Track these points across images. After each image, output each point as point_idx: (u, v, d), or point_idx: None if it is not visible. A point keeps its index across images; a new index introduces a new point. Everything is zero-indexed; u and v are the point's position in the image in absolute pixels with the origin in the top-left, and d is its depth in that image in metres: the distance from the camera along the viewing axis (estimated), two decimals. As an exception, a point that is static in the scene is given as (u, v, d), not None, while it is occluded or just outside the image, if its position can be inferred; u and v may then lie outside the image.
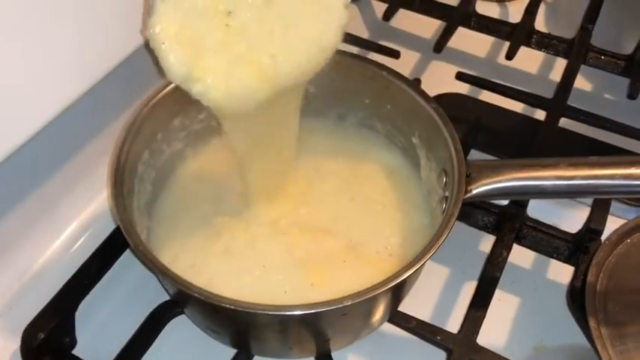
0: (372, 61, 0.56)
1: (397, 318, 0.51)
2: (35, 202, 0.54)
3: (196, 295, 0.39)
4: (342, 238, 0.52)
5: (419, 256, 0.42)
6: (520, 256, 0.58)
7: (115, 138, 0.56)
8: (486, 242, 0.58)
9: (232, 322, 0.46)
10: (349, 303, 0.39)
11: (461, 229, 0.59)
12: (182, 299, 0.48)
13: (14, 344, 0.49)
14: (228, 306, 0.39)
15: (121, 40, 0.50)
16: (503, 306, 0.55)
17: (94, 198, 0.59)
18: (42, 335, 0.49)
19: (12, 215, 0.53)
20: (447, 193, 0.48)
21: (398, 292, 0.48)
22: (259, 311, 0.39)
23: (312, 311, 0.39)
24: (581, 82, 0.72)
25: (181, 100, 0.53)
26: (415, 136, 0.55)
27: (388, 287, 0.40)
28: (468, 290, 0.54)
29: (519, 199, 0.57)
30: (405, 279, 0.41)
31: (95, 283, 0.52)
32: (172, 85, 0.51)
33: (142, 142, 0.50)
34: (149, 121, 0.50)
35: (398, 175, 0.57)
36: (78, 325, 0.52)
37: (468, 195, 0.46)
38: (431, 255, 0.42)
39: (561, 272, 0.57)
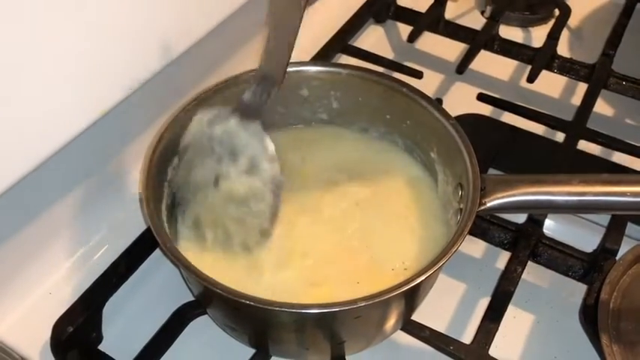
0: (394, 78, 0.58)
1: (411, 327, 0.52)
2: (68, 204, 0.57)
3: (218, 290, 0.42)
4: (362, 251, 0.53)
5: (432, 263, 0.44)
6: (536, 274, 0.58)
7: (146, 146, 0.59)
8: (503, 259, 0.59)
9: (251, 319, 0.48)
10: (362, 304, 0.41)
11: (478, 246, 0.60)
12: (204, 296, 0.50)
13: (45, 337, 0.51)
14: (247, 302, 0.41)
15: (155, 53, 0.53)
16: (517, 323, 0.56)
17: (124, 203, 0.62)
18: (71, 329, 0.51)
19: (46, 216, 0.55)
20: (461, 206, 0.50)
21: (411, 299, 0.49)
22: (277, 308, 0.41)
23: (327, 310, 0.41)
24: (602, 107, 0.73)
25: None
26: (434, 152, 0.56)
27: (400, 291, 0.42)
28: (483, 305, 0.55)
29: (532, 212, 0.58)
30: (417, 285, 0.43)
31: (123, 282, 0.55)
32: (201, 98, 0.54)
33: (173, 149, 0.53)
34: (180, 129, 0.53)
35: (418, 186, 0.58)
36: (105, 322, 0.54)
37: (482, 208, 0.48)
38: (444, 262, 0.44)
39: (576, 291, 0.57)
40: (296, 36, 0.46)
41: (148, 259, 0.57)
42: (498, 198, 0.48)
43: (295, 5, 0.44)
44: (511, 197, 0.48)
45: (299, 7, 0.44)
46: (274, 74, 0.48)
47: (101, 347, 0.53)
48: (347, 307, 0.41)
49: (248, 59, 0.70)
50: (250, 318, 0.47)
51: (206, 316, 0.54)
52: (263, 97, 0.49)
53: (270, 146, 0.49)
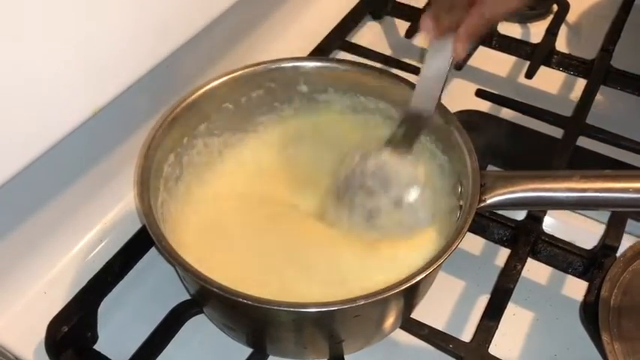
0: (392, 73, 0.57)
1: (410, 325, 0.52)
2: (62, 202, 0.56)
3: (214, 289, 0.41)
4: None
5: (431, 261, 0.43)
6: (535, 271, 0.58)
7: (141, 143, 0.58)
8: (502, 257, 0.58)
9: (248, 318, 0.47)
10: (362, 303, 0.40)
11: (477, 243, 0.60)
12: (201, 295, 0.50)
13: (39, 336, 0.51)
14: (244, 301, 0.40)
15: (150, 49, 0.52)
16: (517, 320, 0.55)
17: (119, 201, 0.61)
18: (65, 329, 0.50)
19: (40, 215, 0.55)
20: (461, 203, 0.49)
21: (410, 297, 0.49)
22: (275, 307, 0.41)
23: (326, 309, 0.41)
24: (601, 103, 0.72)
25: (207, 107, 0.56)
26: (433, 148, 0.56)
27: (400, 290, 0.41)
28: (482, 303, 0.55)
29: (532, 209, 0.58)
30: (416, 283, 0.42)
31: (118, 281, 0.54)
32: (198, 93, 0.54)
33: (169, 145, 0.52)
34: (176, 126, 0.52)
35: None
36: (100, 322, 0.53)
37: (482, 204, 0.47)
38: (443, 260, 0.43)
39: (576, 288, 0.57)
40: (445, 79, 0.51)
41: (144, 257, 0.56)
42: (498, 195, 0.47)
43: (446, 55, 0.49)
44: (511, 194, 0.47)
45: (448, 57, 0.49)
46: (425, 111, 0.51)
47: (96, 347, 0.53)
48: (346, 306, 0.41)
49: (245, 55, 0.69)
50: (247, 317, 0.47)
51: (203, 315, 0.53)
52: (414, 132, 0.52)
53: (423, 176, 0.52)
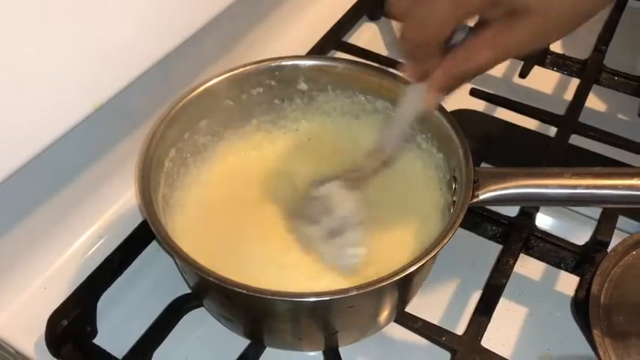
0: (389, 72, 0.58)
1: (404, 318, 0.52)
2: (62, 199, 0.57)
3: (212, 279, 0.42)
4: None
5: (423, 253, 0.44)
6: (529, 267, 0.59)
7: (141, 140, 0.59)
8: (496, 253, 0.59)
9: (245, 309, 0.48)
10: (354, 293, 0.41)
11: (471, 239, 0.61)
12: (199, 286, 0.51)
13: (40, 331, 0.51)
14: (241, 291, 0.41)
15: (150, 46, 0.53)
16: (510, 316, 0.56)
17: (118, 198, 0.62)
18: (65, 323, 0.51)
19: (40, 211, 0.55)
20: (455, 198, 0.50)
21: (403, 289, 0.50)
22: (269, 297, 0.41)
23: (320, 299, 0.41)
24: (593, 102, 0.73)
25: (208, 104, 0.56)
26: (428, 145, 0.57)
27: (392, 281, 0.42)
28: (475, 298, 0.55)
29: (524, 205, 0.59)
30: (409, 275, 0.43)
31: (117, 276, 0.55)
32: (200, 90, 0.55)
33: (170, 140, 0.53)
34: (177, 121, 0.53)
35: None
36: (99, 316, 0.54)
37: (475, 200, 0.48)
38: (435, 253, 0.44)
39: (569, 283, 0.58)
40: (408, 126, 0.50)
41: (143, 253, 0.57)
42: (491, 191, 0.48)
43: (415, 103, 0.47)
44: (504, 190, 0.48)
45: (416, 106, 0.48)
46: (385, 150, 0.51)
47: (96, 341, 0.54)
48: (339, 296, 0.41)
49: (243, 55, 0.70)
50: (244, 307, 0.48)
51: (201, 309, 0.54)
52: (370, 169, 0.52)
53: (359, 214, 0.52)
